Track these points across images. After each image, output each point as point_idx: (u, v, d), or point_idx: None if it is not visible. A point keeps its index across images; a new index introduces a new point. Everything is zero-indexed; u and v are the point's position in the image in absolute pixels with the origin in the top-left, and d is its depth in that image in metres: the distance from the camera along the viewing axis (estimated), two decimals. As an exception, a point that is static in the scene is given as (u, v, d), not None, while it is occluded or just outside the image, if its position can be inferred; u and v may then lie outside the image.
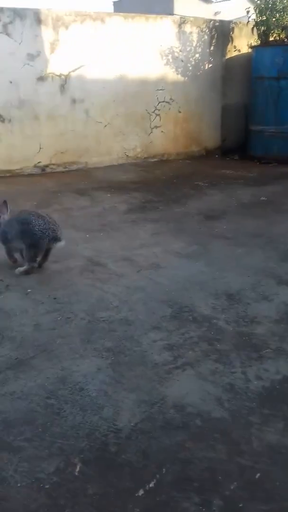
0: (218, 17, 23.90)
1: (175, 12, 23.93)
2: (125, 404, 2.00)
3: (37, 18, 5.95)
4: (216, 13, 25.91)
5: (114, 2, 30.13)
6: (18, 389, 2.11)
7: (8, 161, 6.39)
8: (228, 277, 3.18)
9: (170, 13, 23.41)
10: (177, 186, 5.77)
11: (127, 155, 7.15)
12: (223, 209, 4.75)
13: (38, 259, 3.38)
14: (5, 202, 3.47)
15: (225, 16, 23.34)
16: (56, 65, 6.23)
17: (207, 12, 24.69)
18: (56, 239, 3.30)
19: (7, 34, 5.85)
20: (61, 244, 3.33)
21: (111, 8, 30.03)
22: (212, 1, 26.20)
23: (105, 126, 6.82)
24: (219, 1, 26.21)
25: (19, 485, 1.61)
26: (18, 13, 5.84)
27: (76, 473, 1.66)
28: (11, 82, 6.06)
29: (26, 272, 3.32)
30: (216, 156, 7.74)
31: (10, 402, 2.02)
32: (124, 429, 1.85)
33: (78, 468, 1.68)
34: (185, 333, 2.51)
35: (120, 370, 2.23)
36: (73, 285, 3.14)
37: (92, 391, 2.09)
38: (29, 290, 3.08)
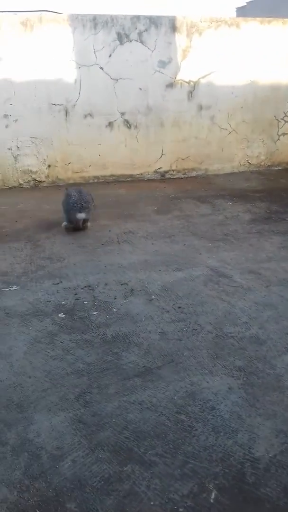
0: None
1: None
2: (261, 432, 1.87)
3: (172, 25, 6.02)
4: None
5: (237, 8, 29.81)
6: (146, 399, 2.07)
7: (130, 166, 6.55)
8: None
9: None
10: (305, 197, 5.45)
11: (250, 163, 6.94)
12: None
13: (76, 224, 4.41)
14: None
15: None
16: (186, 71, 6.24)
17: None
18: (79, 211, 4.33)
19: (141, 42, 5.99)
20: (80, 215, 4.34)
21: (234, 14, 29.77)
22: None
23: (230, 132, 6.69)
24: None
25: (152, 503, 1.56)
26: (153, 21, 5.96)
27: (212, 501, 1.57)
28: (140, 89, 6.20)
29: (65, 227, 4.49)
30: None
31: (139, 412, 1.99)
32: (262, 460, 1.72)
33: (213, 495, 1.58)
34: None
35: (253, 392, 2.10)
36: (197, 295, 3.06)
37: (224, 412, 1.98)
38: (153, 297, 3.07)
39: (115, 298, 3.05)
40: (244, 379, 2.19)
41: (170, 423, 1.93)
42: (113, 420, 1.95)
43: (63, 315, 2.84)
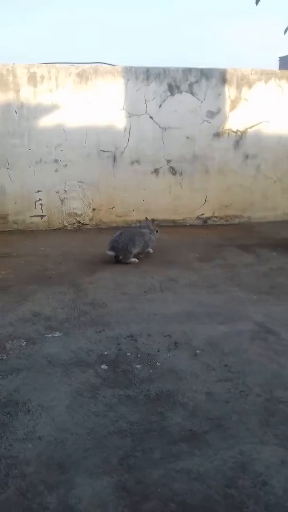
0: None
1: None
2: None
3: (222, 77, 6.16)
4: None
5: (281, 58, 30.43)
6: (194, 468, 1.96)
7: (173, 212, 6.59)
8: None
9: None
10: None
11: (294, 212, 6.85)
12: None
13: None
14: (152, 220, 5.21)
15: None
16: (234, 122, 6.32)
17: None
18: (108, 249, 4.83)
19: (191, 93, 6.14)
20: (109, 252, 4.82)
21: (276, 64, 30.39)
22: None
23: (275, 181, 6.66)
24: None
25: None
26: (204, 73, 6.11)
27: None
28: (187, 138, 6.30)
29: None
30: None
31: (186, 483, 1.88)
32: None
33: None
34: None
35: (308, 469, 1.95)
36: (244, 353, 2.95)
37: (277, 488, 1.85)
38: (198, 351, 2.97)
39: (158, 351, 2.98)
40: (298, 452, 2.05)
41: (220, 497, 1.80)
42: (158, 489, 1.84)
43: (106, 367, 2.78)
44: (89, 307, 3.72)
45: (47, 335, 3.21)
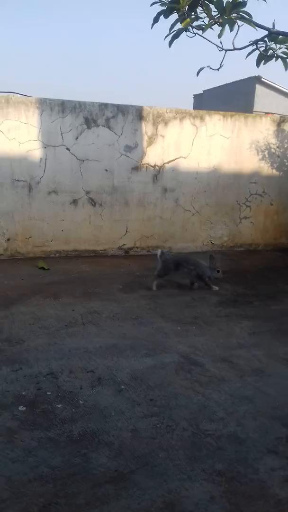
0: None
1: (255, 106, 25.03)
2: None
3: (138, 114, 6.31)
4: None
5: (195, 95, 32.19)
6: (120, 513, 1.84)
7: (94, 242, 6.53)
8: None
9: (250, 106, 24.50)
10: (269, 280, 5.52)
11: (213, 243, 7.09)
12: None
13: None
14: (211, 256, 5.18)
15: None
16: (152, 156, 6.47)
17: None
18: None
19: (109, 127, 6.21)
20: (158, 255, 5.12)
21: (191, 101, 32.05)
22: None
23: (193, 214, 6.86)
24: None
25: None
26: (121, 109, 6.23)
27: None
28: (106, 170, 6.33)
29: None
30: (308, 250, 7.48)
31: (113, 530, 1.76)
32: None
33: None
34: (309, 464, 2.16)
35: (236, 502, 1.92)
36: (170, 386, 2.91)
37: (207, 528, 1.78)
38: (122, 387, 2.88)
39: (81, 388, 2.84)
40: (226, 485, 2.01)
41: None
42: None
43: (24, 408, 2.60)
44: (4, 343, 3.49)
45: None
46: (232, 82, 25.52)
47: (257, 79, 24.05)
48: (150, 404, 2.67)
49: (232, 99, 24.54)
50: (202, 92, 29.09)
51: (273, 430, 2.42)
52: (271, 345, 3.55)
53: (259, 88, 24.38)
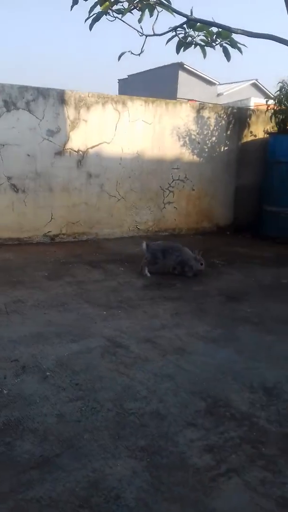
0: (220, 99, 25.38)
1: (178, 92, 25.41)
2: (168, 519, 1.78)
3: (60, 98, 6.20)
4: (218, 95, 27.54)
5: (120, 80, 32.03)
6: (45, 495, 1.88)
7: (18, 229, 6.39)
8: (261, 367, 3.01)
9: (174, 93, 24.84)
10: (191, 262, 5.71)
11: (139, 228, 7.19)
12: (245, 290, 4.65)
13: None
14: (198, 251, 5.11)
15: (227, 98, 24.81)
16: (75, 141, 6.41)
17: (210, 94, 26.23)
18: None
19: (29, 111, 6.06)
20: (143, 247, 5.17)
21: (116, 85, 31.86)
22: (215, 84, 27.92)
23: (119, 200, 6.91)
24: (222, 84, 27.96)
25: None
26: (42, 92, 6.09)
27: None
28: (28, 155, 6.19)
29: None
30: (228, 233, 7.80)
31: (38, 511, 1.79)
32: None
33: None
34: (224, 432, 2.32)
35: (158, 475, 2.02)
36: (95, 369, 2.96)
37: (130, 500, 1.87)
38: (47, 373, 2.89)
39: (5, 378, 2.81)
40: (148, 460, 2.11)
41: (73, 522, 1.75)
42: (8, 527, 1.72)
43: None
44: None
45: None
46: (156, 68, 25.67)
47: (180, 66, 24.37)
48: (76, 389, 2.71)
49: (157, 85, 24.71)
50: (127, 77, 28.94)
51: (192, 404, 2.55)
52: (192, 325, 3.71)
53: (182, 75, 24.75)
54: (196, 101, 11.50)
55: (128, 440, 2.24)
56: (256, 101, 13.31)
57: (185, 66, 24.59)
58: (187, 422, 2.40)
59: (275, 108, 7.14)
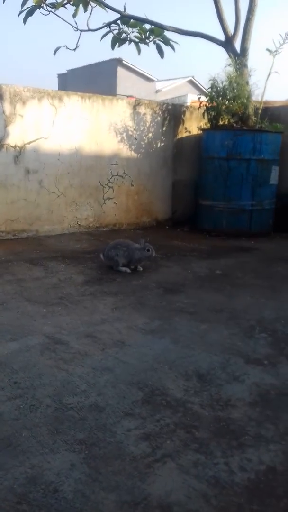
0: (158, 95, 25.66)
1: (118, 88, 25.41)
2: (105, 507, 1.84)
3: (-7, 91, 6.07)
4: (157, 91, 27.83)
5: (59, 75, 31.55)
6: (-18, 495, 1.88)
7: None
8: (195, 355, 3.14)
9: (114, 89, 24.81)
10: (132, 257, 5.79)
11: (79, 224, 7.17)
12: (181, 282, 4.79)
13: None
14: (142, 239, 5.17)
15: (165, 95, 25.11)
16: (12, 137, 6.29)
17: (148, 90, 26.43)
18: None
19: None
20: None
21: (55, 80, 31.37)
22: (154, 80, 28.19)
23: (58, 196, 6.86)
24: (161, 80, 28.27)
25: None
26: (-26, 86, 5.94)
27: None
28: None
29: None
30: (167, 227, 7.95)
31: (-25, 512, 1.79)
32: (108, 539, 1.68)
33: None
34: (160, 419, 2.41)
35: (95, 465, 2.07)
36: (34, 367, 2.96)
37: (68, 492, 1.91)
38: (-14, 373, 2.86)
39: None
40: (86, 452, 2.15)
41: (10, 517, 1.77)
42: None
43: None
44: None
45: None
46: (95, 63, 25.53)
47: (119, 62, 24.39)
48: (14, 387, 2.70)
49: (97, 80, 24.57)
50: (67, 71, 28.56)
51: (130, 395, 2.62)
52: (131, 318, 3.79)
53: (120, 71, 24.78)
54: (134, 97, 11.58)
55: (66, 434, 2.28)
56: (193, 98, 13.61)
57: (123, 62, 24.64)
58: (124, 412, 2.47)
59: (207, 105, 7.34)
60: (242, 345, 3.32)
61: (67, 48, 6.95)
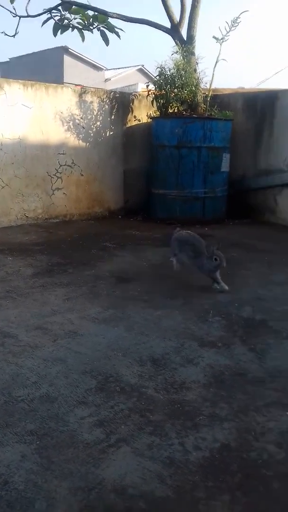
0: (108, 84, 25.38)
1: (65, 76, 24.88)
2: (58, 494, 1.79)
3: None
4: (106, 80, 27.52)
5: (1, 63, 30.41)
6: None
7: None
8: (150, 341, 3.12)
9: (61, 77, 24.27)
10: (84, 247, 5.69)
11: (27, 216, 6.97)
12: (135, 271, 4.75)
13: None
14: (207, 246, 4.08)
15: (114, 84, 24.86)
16: None
17: (97, 79, 26.07)
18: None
19: None
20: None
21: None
22: (103, 69, 27.86)
23: (3, 187, 6.62)
24: (110, 69, 28.00)
25: None
26: None
27: None
28: None
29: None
30: (120, 216, 7.88)
31: None
32: (62, 528, 1.64)
33: None
34: (114, 405, 2.37)
35: (47, 455, 2.01)
36: (-18, 361, 2.85)
37: (19, 483, 1.85)
38: None
39: None
40: (38, 442, 2.09)
41: None
42: None
43: None
44: None
45: None
46: (40, 51, 24.90)
47: (65, 50, 23.91)
48: None
49: (42, 69, 23.95)
50: (9, 60, 27.66)
51: (83, 384, 2.57)
52: (83, 308, 3.72)
53: (67, 59, 24.30)
54: (83, 86, 11.39)
55: (17, 426, 2.20)
56: (143, 87, 13.53)
57: (70, 50, 24.17)
58: (78, 401, 2.41)
59: (156, 93, 7.30)
60: (197, 329, 3.33)
61: (6, 34, 6.70)
